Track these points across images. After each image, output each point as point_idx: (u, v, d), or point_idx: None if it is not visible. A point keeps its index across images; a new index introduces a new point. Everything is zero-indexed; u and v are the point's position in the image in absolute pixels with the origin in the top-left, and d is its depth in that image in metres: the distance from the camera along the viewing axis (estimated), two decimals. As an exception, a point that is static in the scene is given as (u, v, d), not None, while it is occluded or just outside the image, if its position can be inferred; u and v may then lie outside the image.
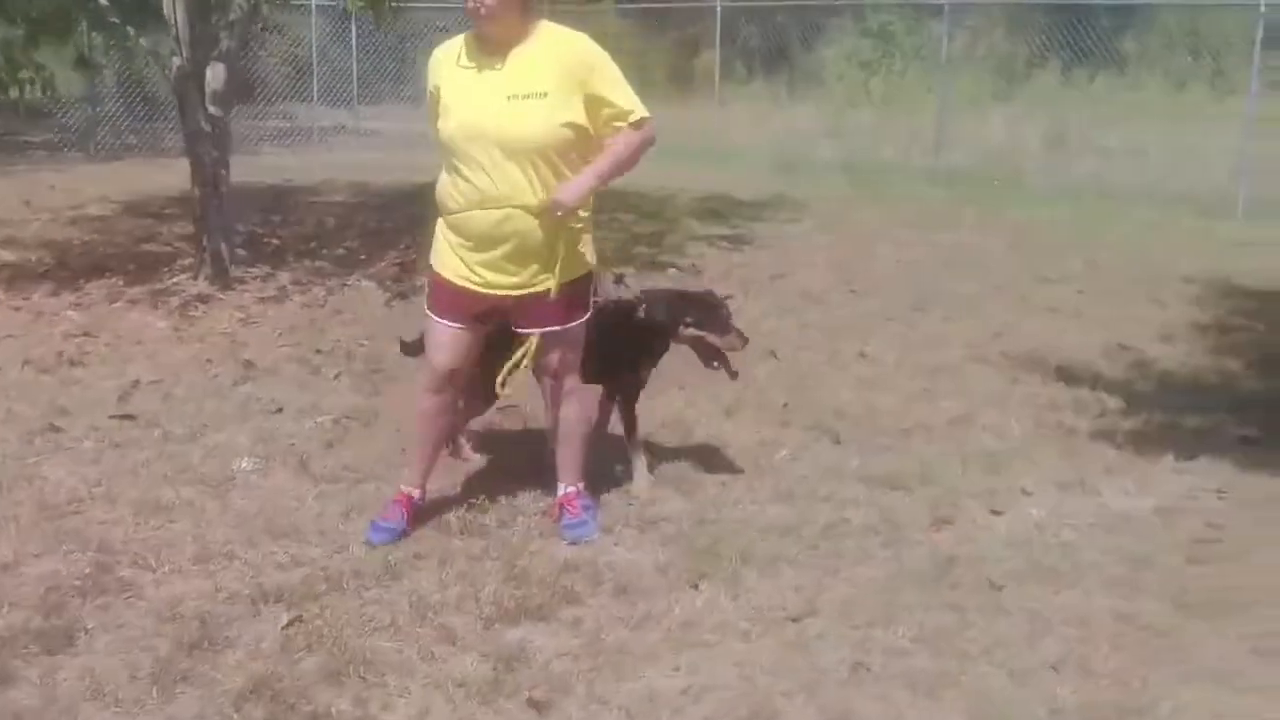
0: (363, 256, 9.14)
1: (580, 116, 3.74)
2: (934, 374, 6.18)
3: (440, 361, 4.00)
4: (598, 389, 4.51)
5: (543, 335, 3.96)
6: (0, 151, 15.80)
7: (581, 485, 4.20)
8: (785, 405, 5.55)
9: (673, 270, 8.63)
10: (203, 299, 7.57)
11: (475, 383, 4.18)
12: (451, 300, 3.93)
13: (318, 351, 6.46)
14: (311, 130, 18.76)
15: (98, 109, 16.76)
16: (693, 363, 4.54)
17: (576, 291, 3.98)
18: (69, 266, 8.50)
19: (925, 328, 7.21)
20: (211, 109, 8.06)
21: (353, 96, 19.69)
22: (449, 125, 3.78)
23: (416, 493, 4.14)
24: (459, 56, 3.82)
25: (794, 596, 3.69)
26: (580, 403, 4.18)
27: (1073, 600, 3.70)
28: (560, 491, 4.18)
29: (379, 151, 16.56)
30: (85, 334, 6.68)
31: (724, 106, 18.02)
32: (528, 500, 4.32)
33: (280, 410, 5.40)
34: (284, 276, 8.26)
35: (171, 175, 10.95)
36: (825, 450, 5.00)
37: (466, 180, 3.77)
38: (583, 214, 3.92)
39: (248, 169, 11.31)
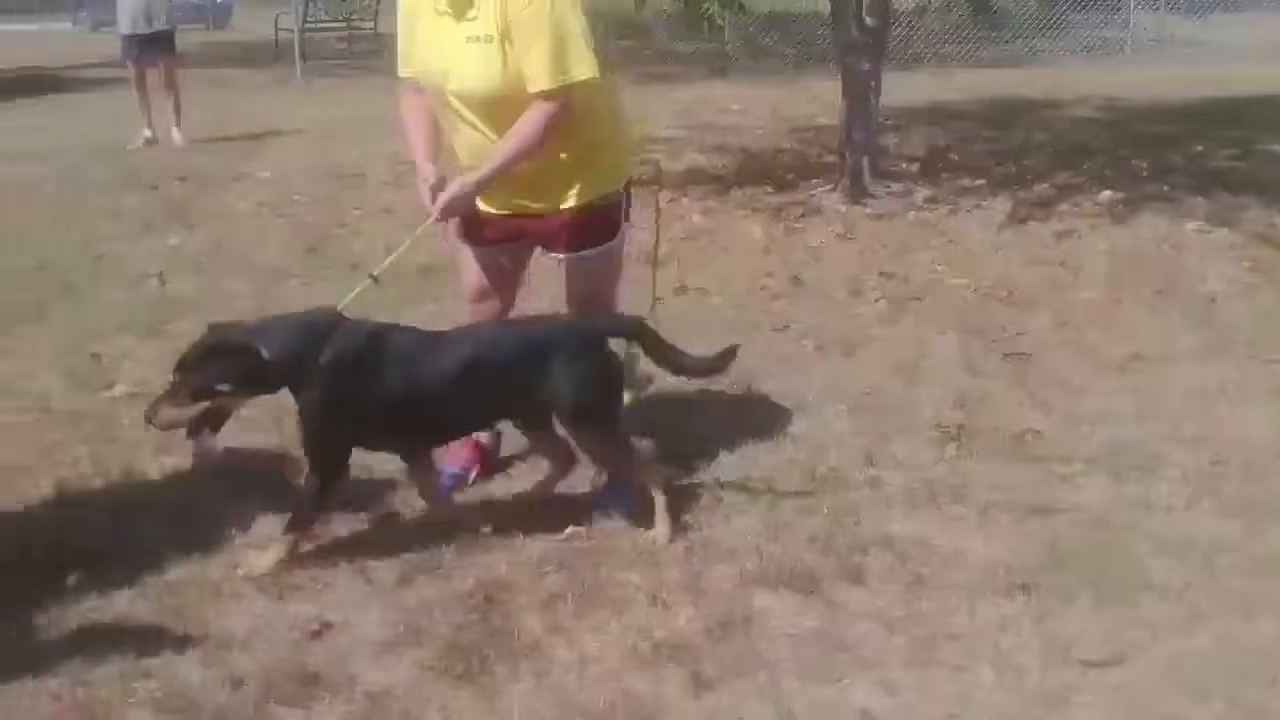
0: (1019, 181, 8.45)
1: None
2: None
3: (470, 283, 3.76)
4: None
5: (566, 261, 3.59)
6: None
7: None
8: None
9: None
10: (820, 211, 7.58)
11: None
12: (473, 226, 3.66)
13: (881, 274, 6.18)
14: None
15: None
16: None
17: (599, 213, 3.53)
18: (734, 174, 8.91)
19: None
20: (867, 19, 7.96)
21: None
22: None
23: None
24: None
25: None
26: None
27: None
28: None
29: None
30: (687, 237, 6.99)
31: None
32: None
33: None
34: (918, 196, 7.95)
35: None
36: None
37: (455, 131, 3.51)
38: (598, 132, 3.47)
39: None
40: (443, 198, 3.41)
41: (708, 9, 8.38)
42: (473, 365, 3.27)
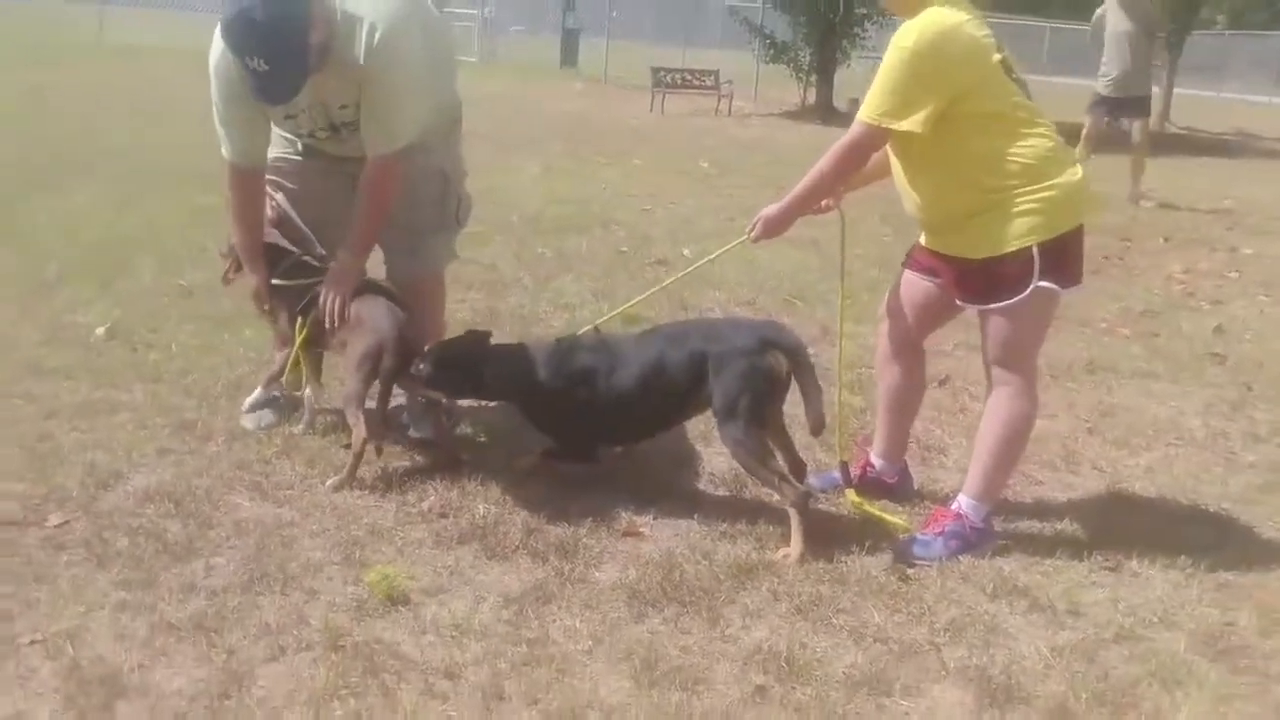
0: None
1: None
2: None
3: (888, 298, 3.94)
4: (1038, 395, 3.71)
5: (981, 312, 3.54)
6: None
7: (975, 505, 3.58)
8: None
9: None
10: None
11: None
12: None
13: None
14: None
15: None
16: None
17: (999, 267, 3.42)
18: None
19: None
20: None
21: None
22: None
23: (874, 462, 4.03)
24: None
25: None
26: (1008, 403, 3.54)
27: None
28: (956, 501, 3.61)
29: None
30: None
31: None
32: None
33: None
34: None
35: None
36: None
37: None
38: (993, 184, 3.39)
39: None
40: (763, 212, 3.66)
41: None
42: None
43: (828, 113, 20.67)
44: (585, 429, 3.86)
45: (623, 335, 4.02)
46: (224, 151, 4.02)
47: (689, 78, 22.12)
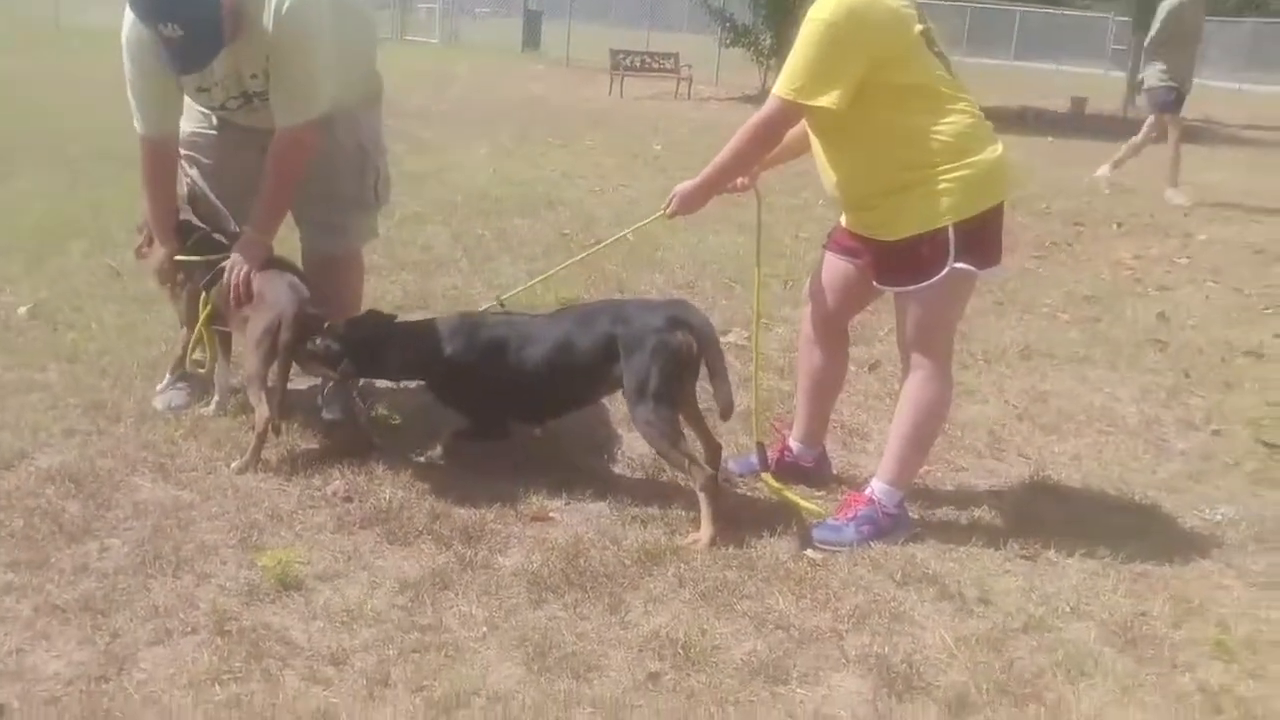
0: None
1: None
2: None
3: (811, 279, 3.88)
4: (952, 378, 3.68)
5: (896, 294, 3.49)
6: None
7: (888, 490, 3.53)
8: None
9: None
10: None
11: None
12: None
13: None
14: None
15: None
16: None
17: (915, 248, 3.36)
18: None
19: None
20: None
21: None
22: None
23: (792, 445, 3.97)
24: None
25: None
26: (922, 386, 3.49)
27: None
28: (870, 486, 3.56)
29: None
30: None
31: None
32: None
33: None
34: None
35: None
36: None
37: None
38: (909, 160, 3.33)
39: None
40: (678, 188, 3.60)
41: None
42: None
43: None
44: (492, 405, 3.81)
45: (531, 313, 3.98)
46: (136, 124, 3.95)
47: (649, 60, 22.08)
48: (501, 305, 3.98)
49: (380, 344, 3.81)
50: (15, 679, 2.62)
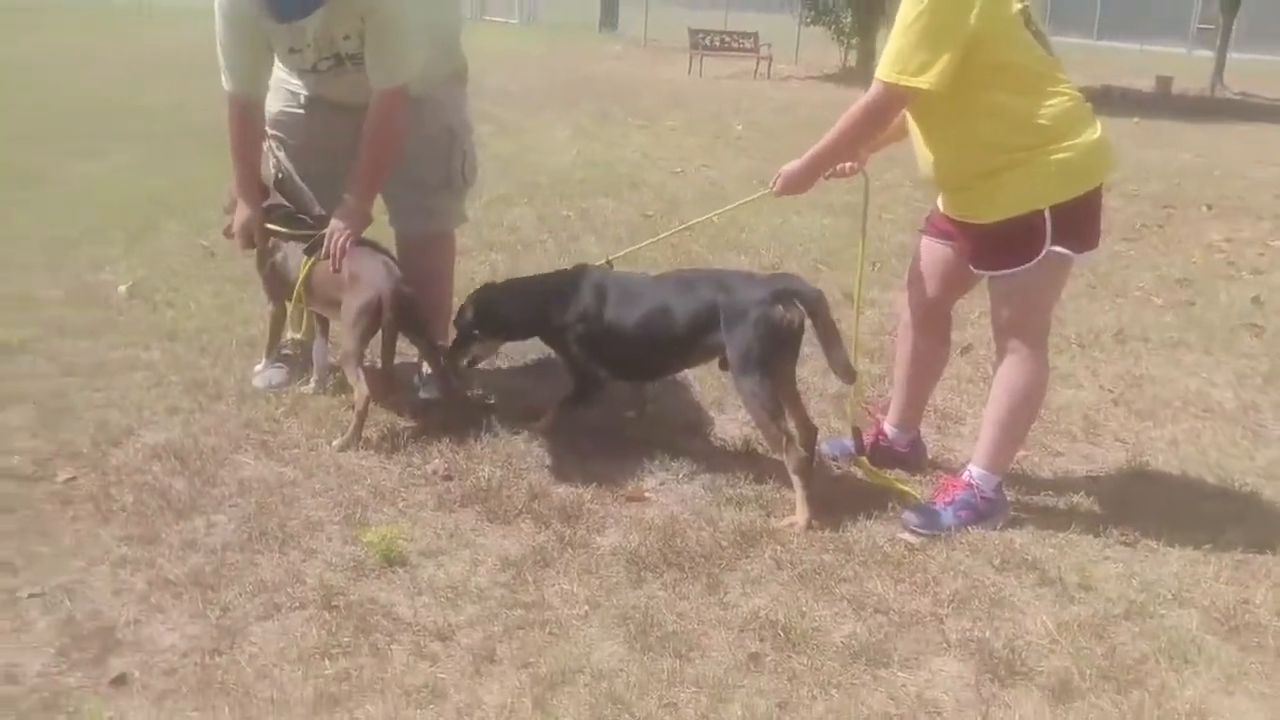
0: None
1: None
2: None
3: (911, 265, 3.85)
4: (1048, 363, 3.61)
5: (991, 278, 3.44)
6: None
7: (985, 475, 3.49)
8: None
9: None
10: None
11: None
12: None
13: None
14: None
15: None
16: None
17: (1010, 231, 3.31)
18: None
19: None
20: None
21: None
22: None
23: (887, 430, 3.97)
24: None
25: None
26: (1017, 371, 3.45)
27: None
28: (966, 470, 3.53)
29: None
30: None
31: None
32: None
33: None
34: None
35: None
36: None
37: None
38: (1007, 142, 3.26)
39: None
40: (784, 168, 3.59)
41: None
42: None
43: (869, 75, 20.42)
44: (604, 356, 3.84)
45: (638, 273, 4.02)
46: (225, 83, 3.99)
47: (728, 40, 21.97)
48: (609, 265, 4.00)
49: (505, 300, 3.95)
50: (135, 649, 2.70)
